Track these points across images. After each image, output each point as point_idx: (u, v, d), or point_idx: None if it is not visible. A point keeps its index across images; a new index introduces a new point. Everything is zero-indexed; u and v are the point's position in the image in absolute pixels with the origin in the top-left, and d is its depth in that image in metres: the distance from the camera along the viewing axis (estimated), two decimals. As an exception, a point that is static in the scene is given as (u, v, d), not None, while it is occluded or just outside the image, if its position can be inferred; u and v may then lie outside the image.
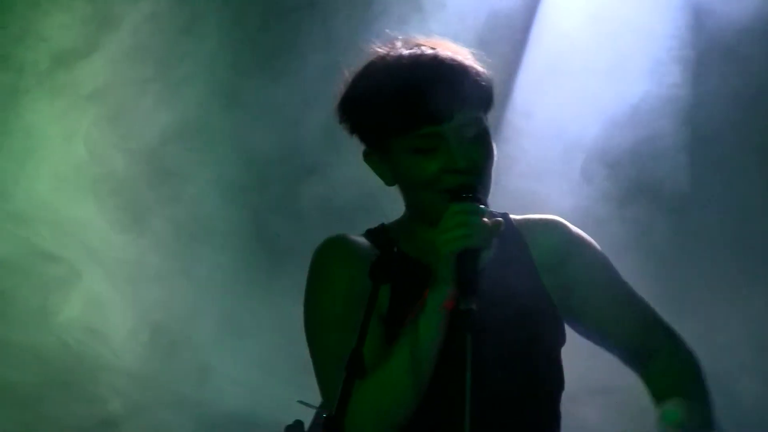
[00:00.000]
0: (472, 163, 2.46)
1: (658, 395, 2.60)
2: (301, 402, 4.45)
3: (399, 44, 2.55)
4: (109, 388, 5.16)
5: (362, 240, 2.58)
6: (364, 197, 4.97)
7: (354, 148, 2.64)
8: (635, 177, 5.04)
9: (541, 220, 2.68)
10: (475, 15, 5.07)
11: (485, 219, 2.37)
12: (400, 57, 2.49)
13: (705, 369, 2.63)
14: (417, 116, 2.44)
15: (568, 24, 5.10)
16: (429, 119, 2.44)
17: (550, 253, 2.62)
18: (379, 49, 2.56)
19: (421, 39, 2.56)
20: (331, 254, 2.55)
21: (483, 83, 2.50)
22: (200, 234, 5.29)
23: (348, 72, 2.57)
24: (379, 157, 2.54)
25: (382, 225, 2.64)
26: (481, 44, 4.92)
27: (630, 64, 5.00)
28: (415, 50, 2.50)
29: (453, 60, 2.48)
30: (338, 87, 2.58)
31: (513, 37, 5.15)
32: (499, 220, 2.39)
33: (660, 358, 2.63)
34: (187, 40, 5.28)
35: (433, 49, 2.50)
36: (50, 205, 5.16)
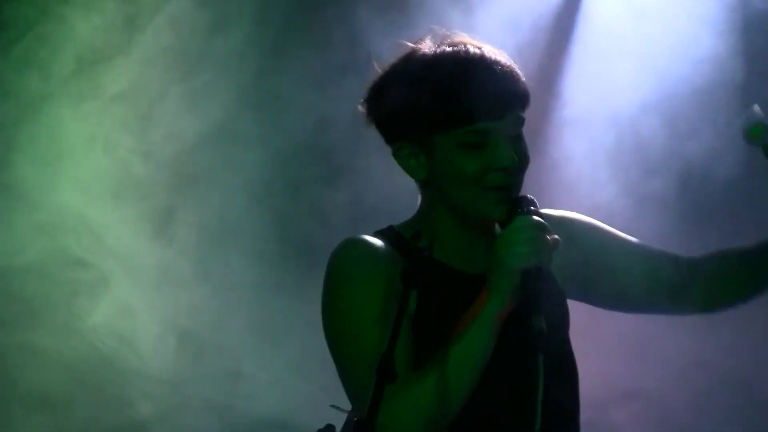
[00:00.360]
0: (516, 162, 2.48)
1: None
2: (333, 406, 4.43)
3: (442, 40, 2.55)
4: (138, 394, 5.16)
5: (380, 242, 2.56)
6: (393, 199, 4.96)
7: (382, 149, 2.62)
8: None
9: (549, 214, 2.66)
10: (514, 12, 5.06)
11: (548, 236, 2.38)
12: (454, 53, 2.49)
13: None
14: (471, 112, 2.45)
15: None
16: (482, 115, 2.45)
17: (565, 249, 2.56)
18: (421, 45, 2.56)
19: (459, 36, 2.55)
20: (359, 255, 2.53)
21: (526, 85, 2.54)
22: (227, 238, 5.29)
23: (388, 64, 2.56)
24: (413, 150, 2.52)
25: (392, 227, 2.63)
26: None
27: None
28: (465, 47, 2.51)
29: (502, 59, 2.51)
30: (376, 78, 2.57)
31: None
32: (557, 239, 2.40)
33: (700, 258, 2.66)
34: (211, 42, 5.27)
35: (479, 48, 2.51)
36: (77, 212, 5.15)
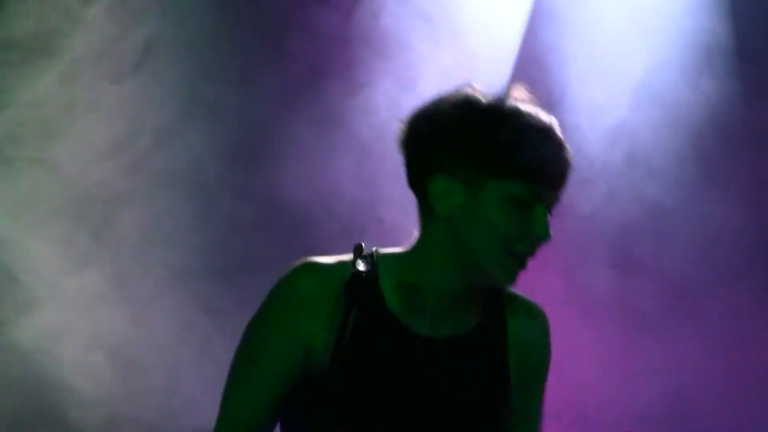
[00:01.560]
0: (547, 236, 2.49)
1: None
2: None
3: (507, 93, 2.55)
4: (69, 413, 5.13)
5: (338, 274, 2.49)
6: (314, 202, 5.00)
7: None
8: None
9: (527, 304, 2.69)
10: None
11: None
12: (534, 111, 2.50)
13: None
14: (537, 170, 2.45)
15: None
16: (543, 178, 2.46)
17: (525, 349, 2.64)
18: (478, 91, 2.56)
19: (517, 90, 2.57)
20: (297, 290, 2.49)
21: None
22: (155, 252, 5.27)
23: (446, 97, 2.55)
24: (452, 186, 2.49)
25: (371, 256, 2.54)
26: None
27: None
28: (539, 109, 2.52)
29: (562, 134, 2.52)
30: (433, 105, 2.55)
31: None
32: None
33: None
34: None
35: (545, 114, 2.53)
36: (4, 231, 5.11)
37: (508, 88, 2.56)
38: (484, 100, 2.51)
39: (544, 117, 2.50)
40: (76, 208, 5.18)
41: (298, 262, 2.52)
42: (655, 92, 5.27)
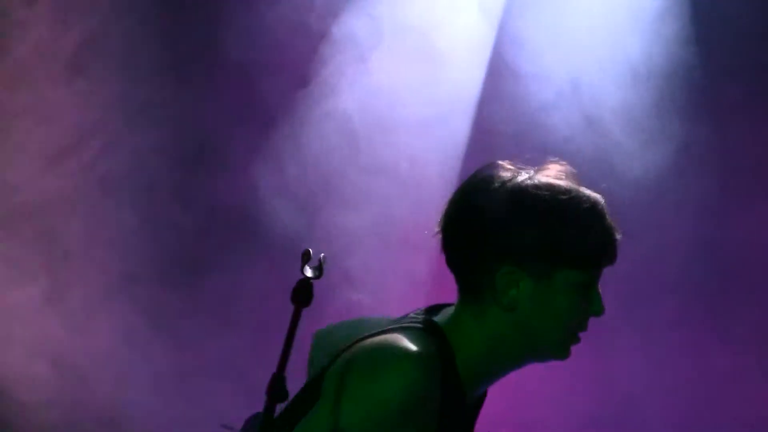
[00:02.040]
0: (603, 312, 2.53)
1: None
2: (224, 426, 4.44)
3: (559, 173, 2.54)
4: (13, 422, 5.09)
5: (434, 360, 2.43)
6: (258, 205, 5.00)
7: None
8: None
9: None
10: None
11: None
12: (590, 194, 2.50)
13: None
14: (608, 256, 2.50)
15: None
16: (608, 261, 2.50)
17: None
18: (529, 172, 2.52)
19: (556, 168, 2.54)
20: (417, 400, 2.37)
21: None
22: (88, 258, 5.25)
23: (503, 187, 2.49)
24: (520, 277, 2.47)
25: (437, 327, 2.51)
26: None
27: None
28: (584, 188, 2.52)
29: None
30: (501, 194, 2.49)
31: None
32: None
33: None
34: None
35: (593, 192, 2.53)
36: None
37: (545, 164, 2.54)
38: (537, 185, 2.48)
39: (597, 197, 2.51)
40: (18, 217, 5.15)
41: (397, 348, 2.40)
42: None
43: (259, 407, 2.53)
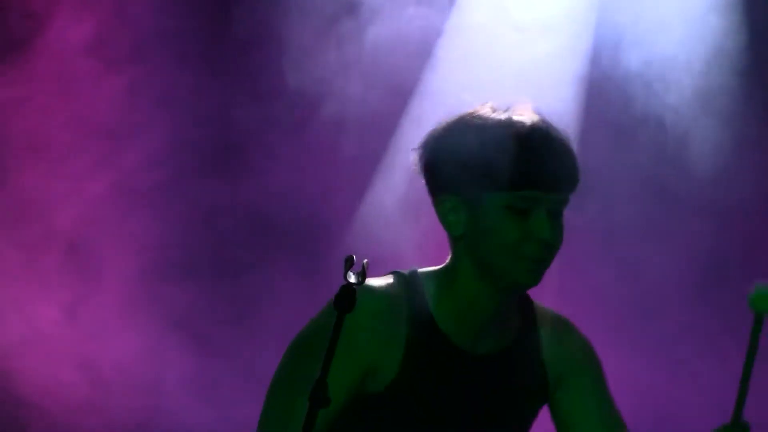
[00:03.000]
0: (554, 238, 2.57)
1: None
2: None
3: (506, 107, 2.64)
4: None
5: (396, 298, 2.61)
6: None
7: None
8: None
9: (557, 319, 2.78)
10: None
11: None
12: (522, 120, 2.59)
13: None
14: (528, 177, 2.54)
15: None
16: (536, 184, 2.54)
17: (563, 360, 2.74)
18: (485, 108, 2.64)
19: (522, 106, 2.65)
20: (353, 318, 2.42)
21: (578, 169, 2.63)
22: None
23: (449, 119, 2.65)
24: (456, 205, 2.60)
25: (416, 274, 2.66)
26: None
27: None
28: (533, 118, 2.60)
29: (564, 138, 2.62)
30: (437, 129, 2.65)
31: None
32: None
33: None
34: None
35: (545, 121, 2.61)
36: None
37: (511, 103, 2.65)
38: (479, 116, 2.62)
39: (534, 123, 2.59)
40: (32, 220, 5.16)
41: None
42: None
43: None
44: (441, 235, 2.72)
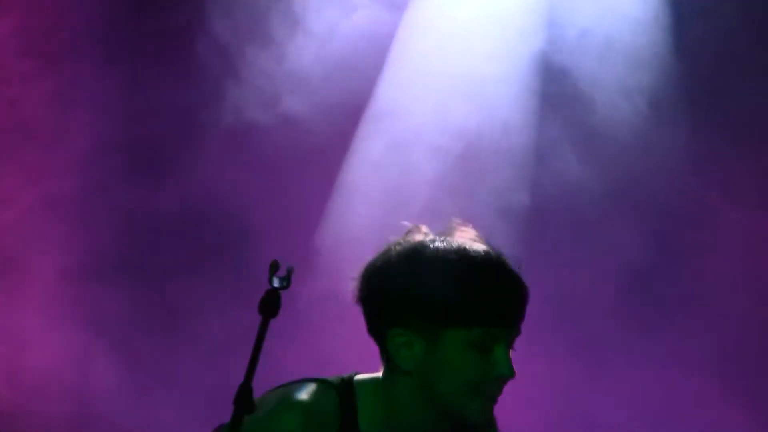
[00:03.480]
0: (512, 375, 2.51)
1: None
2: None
3: (448, 233, 2.56)
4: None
5: (325, 416, 2.51)
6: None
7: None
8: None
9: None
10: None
11: None
12: (478, 252, 2.50)
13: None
14: (493, 314, 2.47)
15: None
16: (501, 320, 2.48)
17: None
18: (427, 234, 2.56)
19: (462, 230, 2.56)
20: None
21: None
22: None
23: (394, 248, 2.55)
24: (410, 340, 2.50)
25: (351, 384, 2.58)
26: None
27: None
28: (485, 249, 2.51)
29: (514, 268, 2.53)
30: (382, 260, 2.55)
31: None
32: None
33: None
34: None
35: (497, 252, 2.53)
36: None
37: (452, 226, 2.57)
38: (429, 248, 2.52)
39: (490, 255, 2.51)
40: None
41: (280, 398, 2.52)
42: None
43: (225, 418, 2.54)
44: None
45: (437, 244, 2.53)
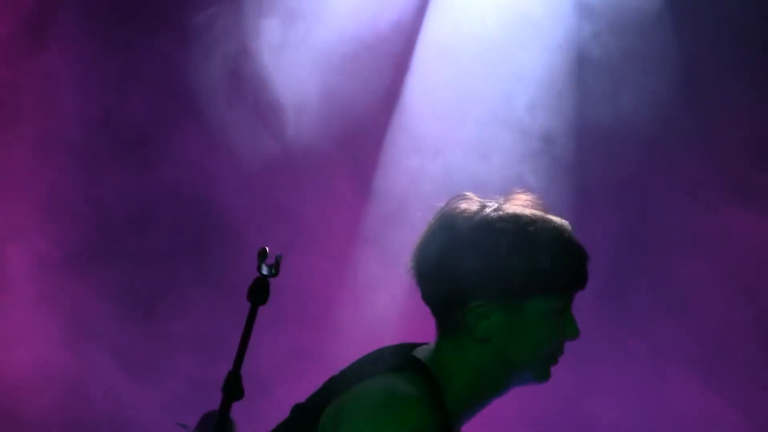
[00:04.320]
0: (579, 335, 2.56)
1: None
2: (179, 424, 4.44)
3: (517, 201, 2.56)
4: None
5: (433, 402, 2.49)
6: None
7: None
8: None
9: None
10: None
11: None
12: (555, 221, 2.52)
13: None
14: (574, 281, 2.51)
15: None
16: (578, 286, 2.52)
17: None
18: (492, 204, 2.54)
19: (521, 197, 2.56)
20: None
21: None
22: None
23: (453, 221, 2.53)
24: (490, 309, 2.50)
25: (420, 362, 2.55)
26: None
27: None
28: (555, 217, 2.54)
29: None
30: (449, 235, 2.53)
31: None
32: None
33: None
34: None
35: (559, 217, 2.55)
36: None
37: (509, 192, 2.58)
38: (502, 218, 2.52)
39: (562, 222, 2.53)
40: None
41: (398, 394, 2.46)
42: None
43: (214, 405, 2.56)
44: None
45: (509, 212, 2.52)
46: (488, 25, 5.11)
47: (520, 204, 2.55)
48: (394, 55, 5.20)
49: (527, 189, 2.57)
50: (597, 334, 5.02)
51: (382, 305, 4.92)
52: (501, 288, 2.48)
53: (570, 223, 2.54)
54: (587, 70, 5.17)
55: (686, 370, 5.17)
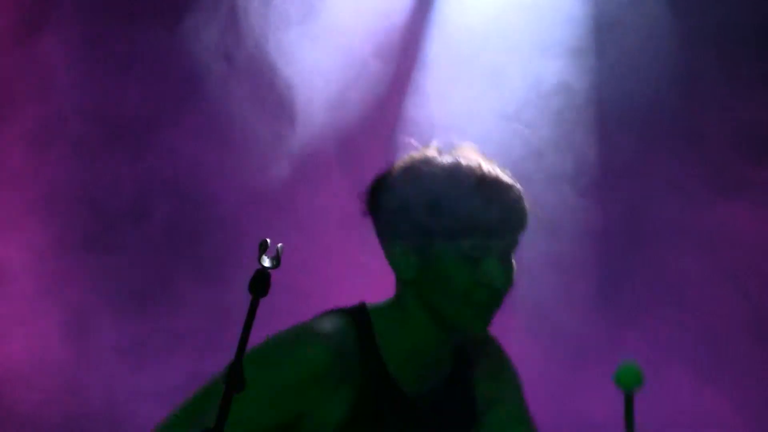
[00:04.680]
0: (506, 284, 2.58)
1: None
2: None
3: (452, 150, 2.63)
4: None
5: (347, 345, 2.60)
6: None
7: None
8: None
9: (490, 353, 2.81)
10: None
11: None
12: (474, 168, 2.57)
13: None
14: (480, 226, 2.54)
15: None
16: (489, 233, 2.54)
17: (491, 396, 2.76)
18: (432, 152, 2.64)
19: (467, 149, 2.64)
20: (301, 371, 2.54)
21: (528, 210, 2.62)
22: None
23: (398, 165, 2.65)
24: (407, 250, 2.59)
25: (365, 309, 2.66)
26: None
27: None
28: (483, 165, 2.59)
29: (513, 182, 2.61)
30: (385, 174, 2.66)
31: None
32: None
33: None
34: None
35: (493, 167, 2.61)
36: None
37: (457, 145, 2.65)
38: (424, 164, 2.61)
39: (483, 169, 2.58)
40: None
41: (303, 330, 2.60)
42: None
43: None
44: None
45: (435, 158, 2.61)
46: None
47: (460, 153, 2.61)
48: (401, 50, 5.20)
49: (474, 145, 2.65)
50: (592, 333, 5.03)
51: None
52: (411, 229, 2.56)
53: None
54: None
55: (681, 367, 5.16)
